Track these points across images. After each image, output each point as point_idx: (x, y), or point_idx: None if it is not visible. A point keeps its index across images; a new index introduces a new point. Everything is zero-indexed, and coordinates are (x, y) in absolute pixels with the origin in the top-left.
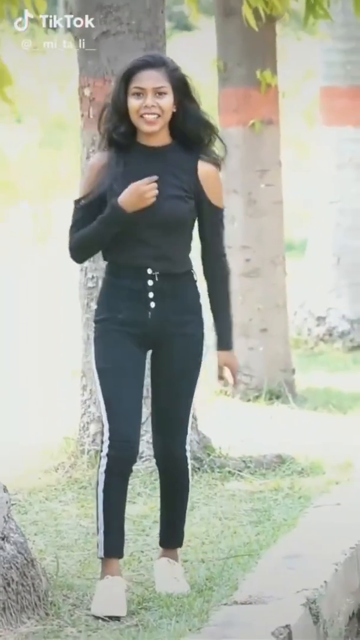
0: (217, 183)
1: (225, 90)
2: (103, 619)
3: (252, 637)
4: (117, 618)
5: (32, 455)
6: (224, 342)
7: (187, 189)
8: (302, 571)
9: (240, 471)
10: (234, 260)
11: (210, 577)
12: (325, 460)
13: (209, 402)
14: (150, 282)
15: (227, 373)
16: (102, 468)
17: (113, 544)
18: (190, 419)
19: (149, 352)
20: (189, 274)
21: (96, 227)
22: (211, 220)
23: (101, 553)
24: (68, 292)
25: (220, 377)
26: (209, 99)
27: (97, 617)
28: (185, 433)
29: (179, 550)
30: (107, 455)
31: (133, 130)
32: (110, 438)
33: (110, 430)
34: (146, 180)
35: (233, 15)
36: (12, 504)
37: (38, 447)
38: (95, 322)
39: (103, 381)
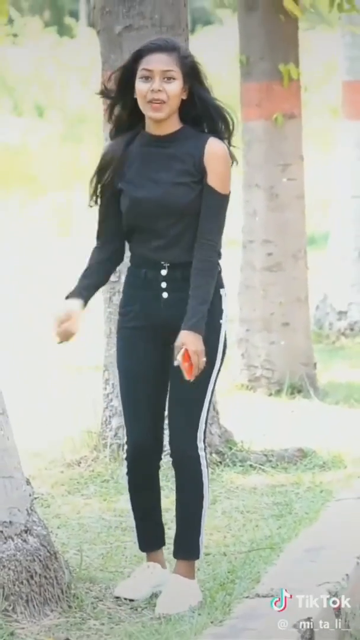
0: (221, 165)
1: (247, 84)
2: (125, 611)
3: (274, 630)
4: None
5: (55, 449)
6: (187, 323)
7: (194, 173)
8: (323, 564)
9: (262, 465)
10: (256, 254)
11: (232, 570)
12: (347, 454)
13: (230, 396)
14: (163, 272)
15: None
16: (125, 470)
17: (146, 539)
18: (205, 415)
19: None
20: None
21: None
22: (205, 202)
23: (138, 547)
24: None
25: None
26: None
27: (120, 609)
28: (196, 430)
29: (196, 563)
30: (126, 459)
31: (139, 117)
32: (127, 442)
33: (128, 435)
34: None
35: (255, 9)
36: (35, 497)
37: (61, 440)
38: (119, 313)
39: (121, 384)
